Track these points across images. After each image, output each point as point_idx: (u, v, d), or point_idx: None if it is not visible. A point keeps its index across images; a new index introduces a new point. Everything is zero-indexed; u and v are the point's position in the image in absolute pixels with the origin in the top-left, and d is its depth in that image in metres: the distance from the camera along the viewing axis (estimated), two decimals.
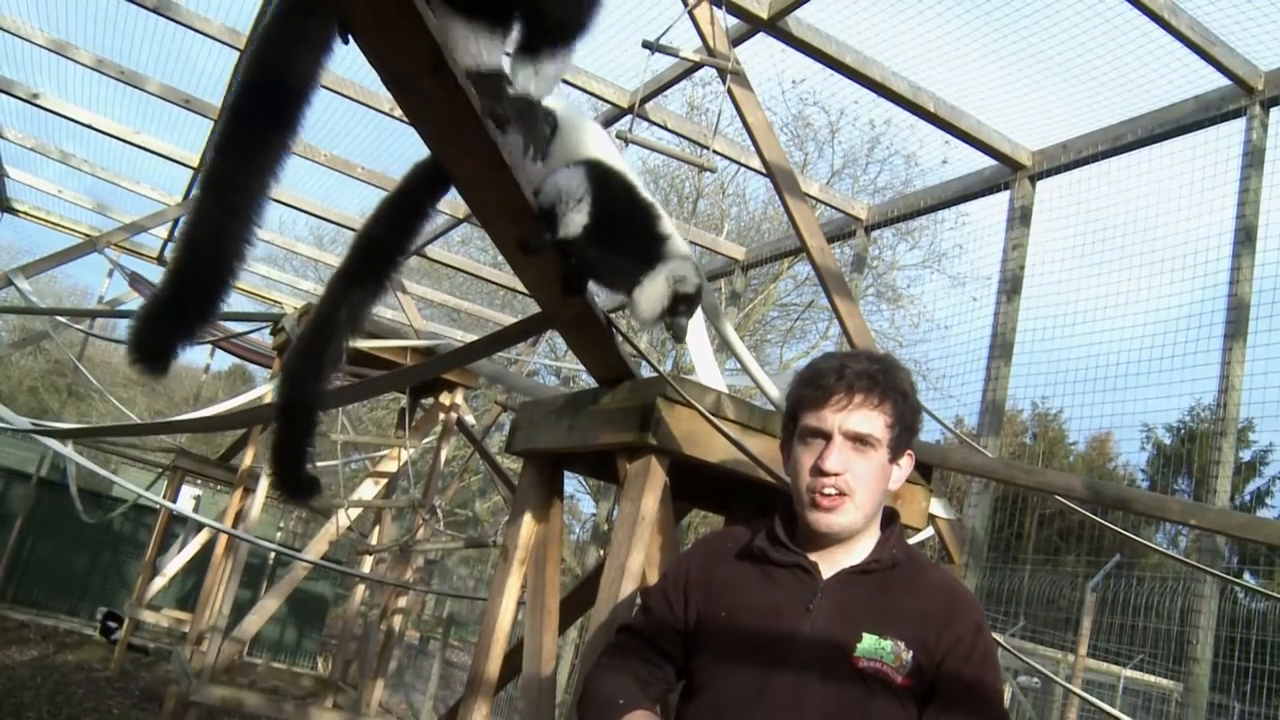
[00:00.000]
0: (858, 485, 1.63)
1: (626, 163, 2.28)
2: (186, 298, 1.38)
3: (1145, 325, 4.21)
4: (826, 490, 1.63)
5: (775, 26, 4.19)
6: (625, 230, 2.15)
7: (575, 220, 1.99)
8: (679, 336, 2.32)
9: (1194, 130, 4.14)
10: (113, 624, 11.13)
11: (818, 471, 1.63)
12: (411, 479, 8.08)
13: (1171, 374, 4.03)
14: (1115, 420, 4.51)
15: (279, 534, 16.12)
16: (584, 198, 2.01)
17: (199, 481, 13.13)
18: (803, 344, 15.82)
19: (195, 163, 7.42)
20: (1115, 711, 2.75)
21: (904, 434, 1.69)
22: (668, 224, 2.26)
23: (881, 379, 1.66)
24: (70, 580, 11.91)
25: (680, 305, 2.22)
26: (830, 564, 1.68)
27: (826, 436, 1.64)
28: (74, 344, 12.98)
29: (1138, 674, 9.47)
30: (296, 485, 2.03)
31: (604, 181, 2.09)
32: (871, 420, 1.64)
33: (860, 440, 1.64)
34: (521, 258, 2.17)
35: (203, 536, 9.97)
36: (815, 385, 1.67)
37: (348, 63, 5.75)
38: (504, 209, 1.95)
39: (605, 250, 2.10)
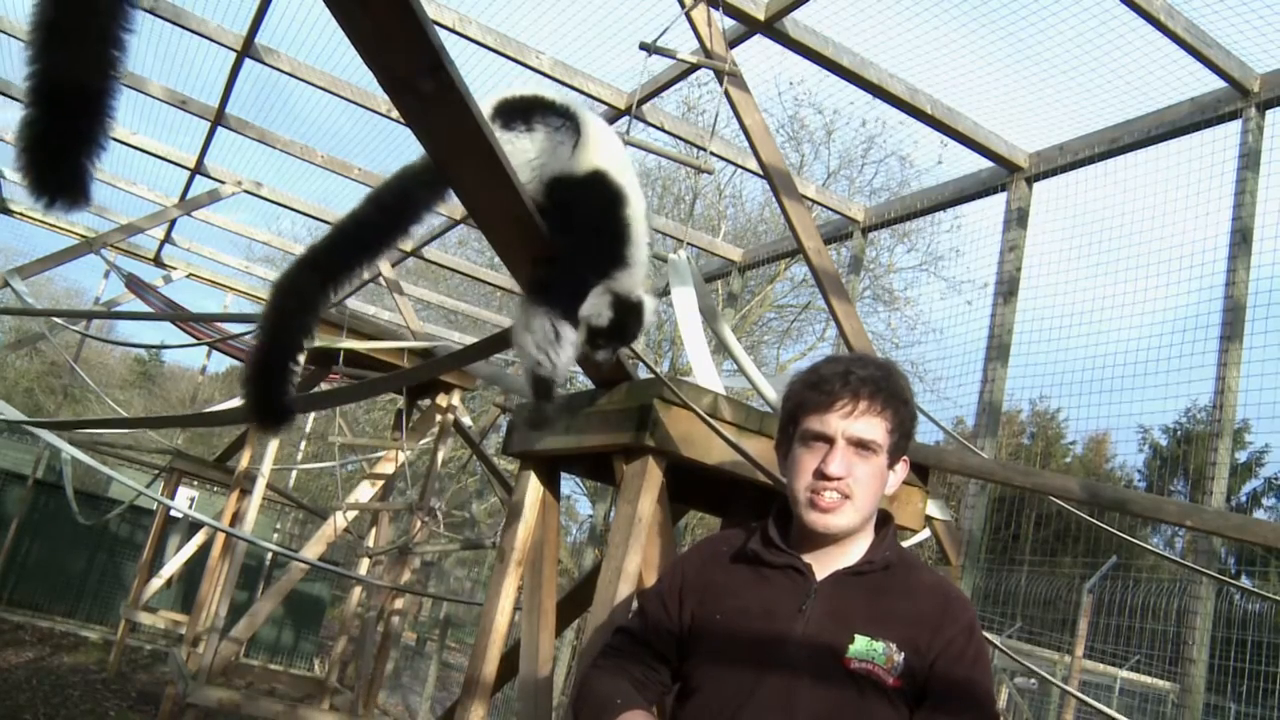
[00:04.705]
0: (858, 489, 1.64)
1: (629, 170, 2.26)
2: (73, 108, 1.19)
3: (1142, 327, 4.22)
4: (829, 494, 1.63)
5: (772, 28, 4.19)
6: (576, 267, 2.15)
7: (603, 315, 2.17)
8: (596, 369, 2.33)
9: (1190, 132, 4.15)
10: None
11: (820, 475, 1.64)
12: (409, 481, 8.08)
13: (1168, 375, 4.04)
14: (1112, 422, 4.53)
15: (275, 535, 16.12)
16: (603, 310, 2.15)
17: (195, 483, 13.13)
18: (799, 345, 15.84)
19: (192, 164, 7.42)
20: (1111, 711, 2.75)
21: (902, 440, 1.70)
22: (637, 246, 2.22)
23: (885, 385, 1.66)
24: (66, 582, 11.89)
25: (597, 339, 2.20)
26: (824, 566, 1.68)
27: (829, 440, 1.65)
28: (70, 345, 12.96)
29: (1134, 675, 9.48)
30: (273, 411, 1.95)
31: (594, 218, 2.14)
32: (875, 426, 1.65)
33: (863, 445, 1.64)
34: (519, 258, 2.17)
35: (200, 538, 9.96)
36: (819, 390, 1.67)
37: (344, 64, 5.75)
38: (502, 212, 1.95)
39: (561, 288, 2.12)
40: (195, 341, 10.94)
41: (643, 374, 2.65)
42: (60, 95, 1.16)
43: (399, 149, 6.89)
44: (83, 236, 9.15)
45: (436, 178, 2.03)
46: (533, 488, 2.94)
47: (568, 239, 2.08)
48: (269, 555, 12.12)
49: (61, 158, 1.18)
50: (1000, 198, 4.91)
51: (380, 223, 2.07)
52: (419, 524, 6.61)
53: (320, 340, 6.36)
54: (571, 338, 2.12)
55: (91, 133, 1.20)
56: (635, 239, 2.21)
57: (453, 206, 7.33)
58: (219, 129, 6.66)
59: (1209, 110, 4.05)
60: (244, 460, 7.45)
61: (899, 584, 1.67)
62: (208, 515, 10.27)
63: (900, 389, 1.69)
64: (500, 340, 2.98)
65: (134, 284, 9.96)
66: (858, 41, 4.44)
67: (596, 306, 2.16)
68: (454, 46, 4.75)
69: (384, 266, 8.71)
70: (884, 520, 1.76)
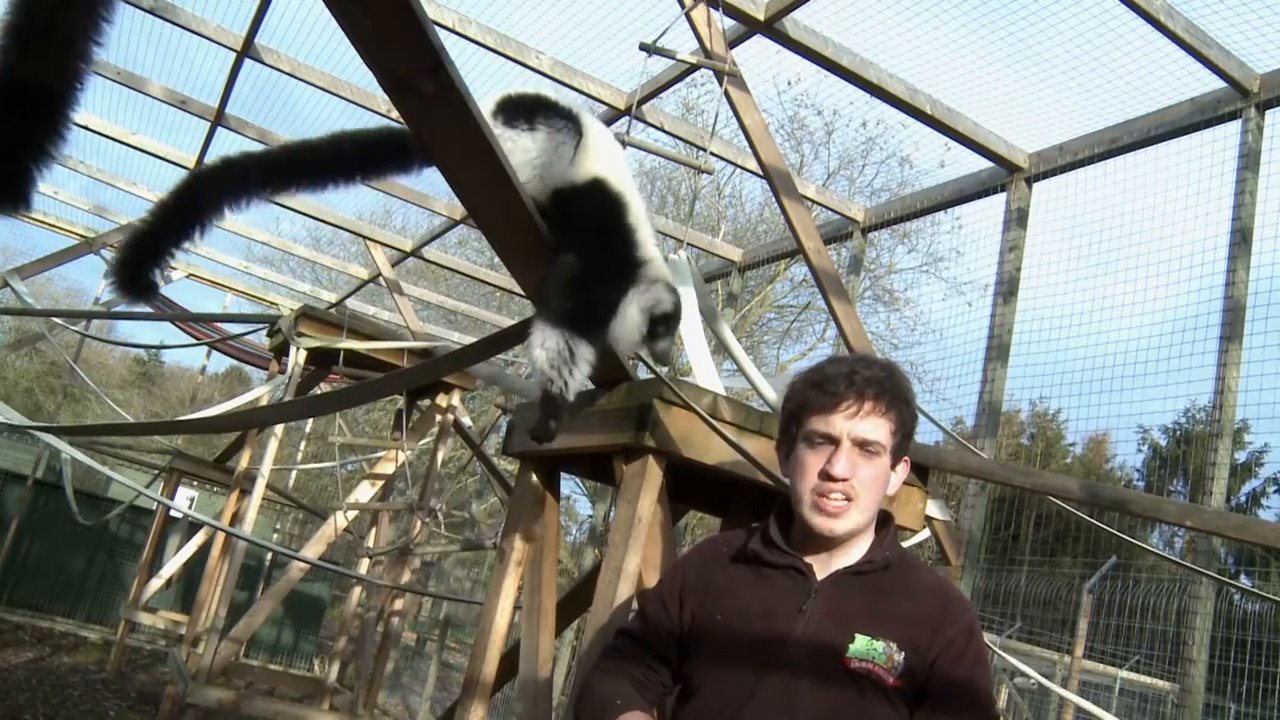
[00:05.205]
0: (862, 490, 1.64)
1: (627, 174, 2.26)
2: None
3: (1141, 327, 4.23)
4: (834, 496, 1.63)
5: (772, 28, 4.19)
6: (601, 273, 2.13)
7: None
8: (663, 360, 2.30)
9: (1190, 133, 4.15)
10: None
11: (826, 476, 1.64)
12: (409, 481, 8.08)
13: (1168, 375, 4.04)
14: (1112, 422, 4.53)
15: (275, 535, 16.11)
16: (663, 296, 2.16)
17: (195, 483, 13.12)
18: (799, 345, 15.85)
19: (192, 164, 7.42)
20: (1098, 710, 2.75)
21: (904, 441, 1.71)
22: (646, 246, 2.23)
23: (889, 386, 1.67)
24: (66, 582, 11.89)
25: (659, 327, 2.19)
26: (824, 565, 1.69)
27: (835, 441, 1.65)
28: (70, 345, 12.96)
29: (1134, 675, 9.49)
30: (137, 280, 1.96)
31: (597, 220, 2.13)
32: (879, 427, 1.65)
33: (867, 446, 1.65)
34: (519, 258, 2.17)
35: (199, 538, 9.96)
36: (823, 390, 1.67)
37: (344, 64, 5.75)
38: (502, 212, 1.95)
39: (582, 298, 2.09)
40: (195, 341, 10.97)
41: (643, 374, 2.64)
42: (19, 100, 1.16)
43: None
44: (83, 236, 9.15)
45: (417, 151, 2.04)
46: (532, 488, 2.94)
47: (579, 259, 2.08)
48: (269, 555, 12.12)
49: (9, 160, 1.19)
50: (1000, 198, 4.91)
51: (332, 163, 2.08)
52: (419, 524, 6.62)
53: (320, 340, 6.37)
54: (587, 356, 2.11)
55: (44, 140, 1.20)
56: (644, 240, 2.23)
57: (453, 206, 7.33)
58: (219, 129, 6.65)
59: (1209, 110, 4.05)
60: (244, 460, 7.45)
61: (899, 584, 1.67)
62: (207, 515, 10.27)
63: (903, 390, 1.69)
64: (500, 340, 2.98)
65: None
66: (857, 41, 4.44)
67: (656, 294, 2.16)
68: (454, 46, 4.75)
69: (384, 266, 8.71)
70: (884, 520, 1.76)
